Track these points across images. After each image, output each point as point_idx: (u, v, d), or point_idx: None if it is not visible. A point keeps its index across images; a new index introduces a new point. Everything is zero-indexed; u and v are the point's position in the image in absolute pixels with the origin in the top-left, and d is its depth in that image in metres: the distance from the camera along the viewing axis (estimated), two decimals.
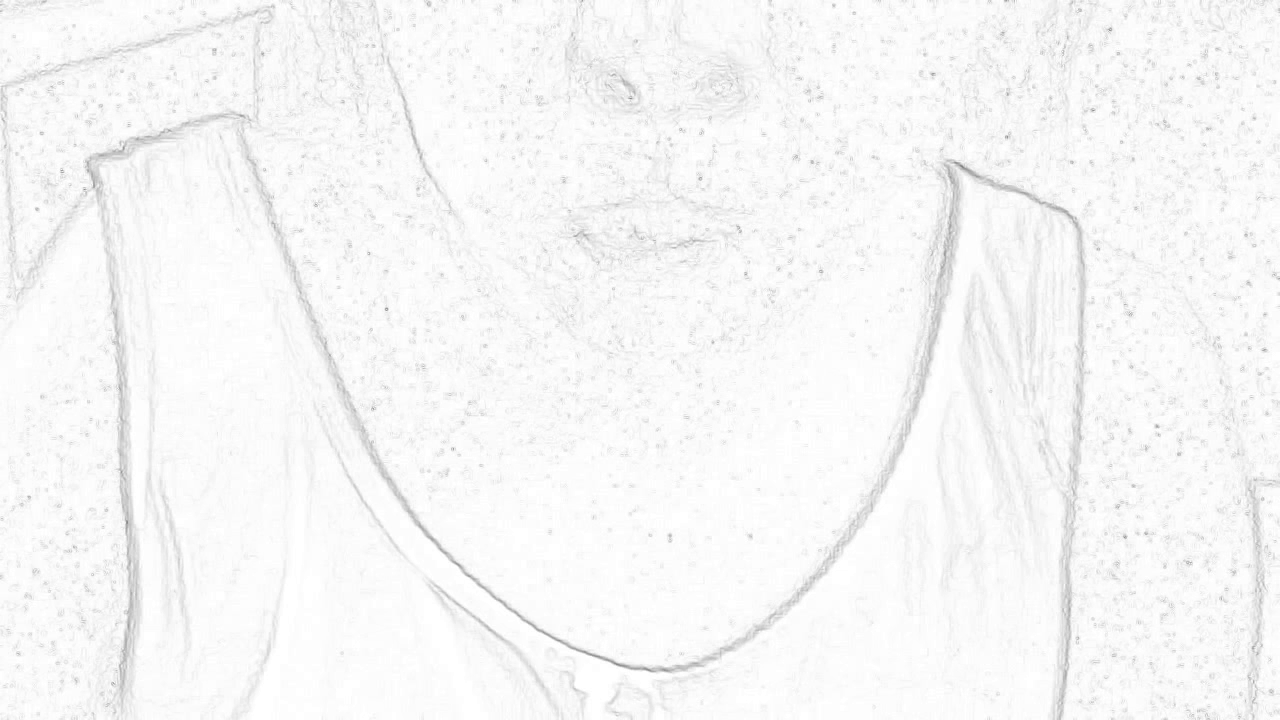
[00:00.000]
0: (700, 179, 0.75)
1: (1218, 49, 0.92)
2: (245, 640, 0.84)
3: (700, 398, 0.84)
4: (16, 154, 0.93)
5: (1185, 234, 0.92)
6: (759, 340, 0.82)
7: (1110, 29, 0.92)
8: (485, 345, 0.85)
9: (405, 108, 0.79)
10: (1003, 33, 0.83)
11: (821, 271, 0.79)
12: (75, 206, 0.87)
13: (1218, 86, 0.92)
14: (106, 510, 0.85)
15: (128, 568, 0.85)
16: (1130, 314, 0.88)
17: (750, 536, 0.85)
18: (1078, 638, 0.87)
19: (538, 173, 0.76)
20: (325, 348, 0.85)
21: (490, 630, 0.84)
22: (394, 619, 0.84)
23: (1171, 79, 0.92)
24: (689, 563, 0.85)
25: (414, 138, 0.79)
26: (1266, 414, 0.92)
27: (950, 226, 0.88)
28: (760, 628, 0.84)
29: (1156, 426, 0.88)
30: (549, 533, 0.84)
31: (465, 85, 0.77)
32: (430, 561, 0.84)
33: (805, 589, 0.85)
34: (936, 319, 0.87)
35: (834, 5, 0.75)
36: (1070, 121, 0.92)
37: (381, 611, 0.84)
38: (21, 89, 0.93)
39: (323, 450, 0.84)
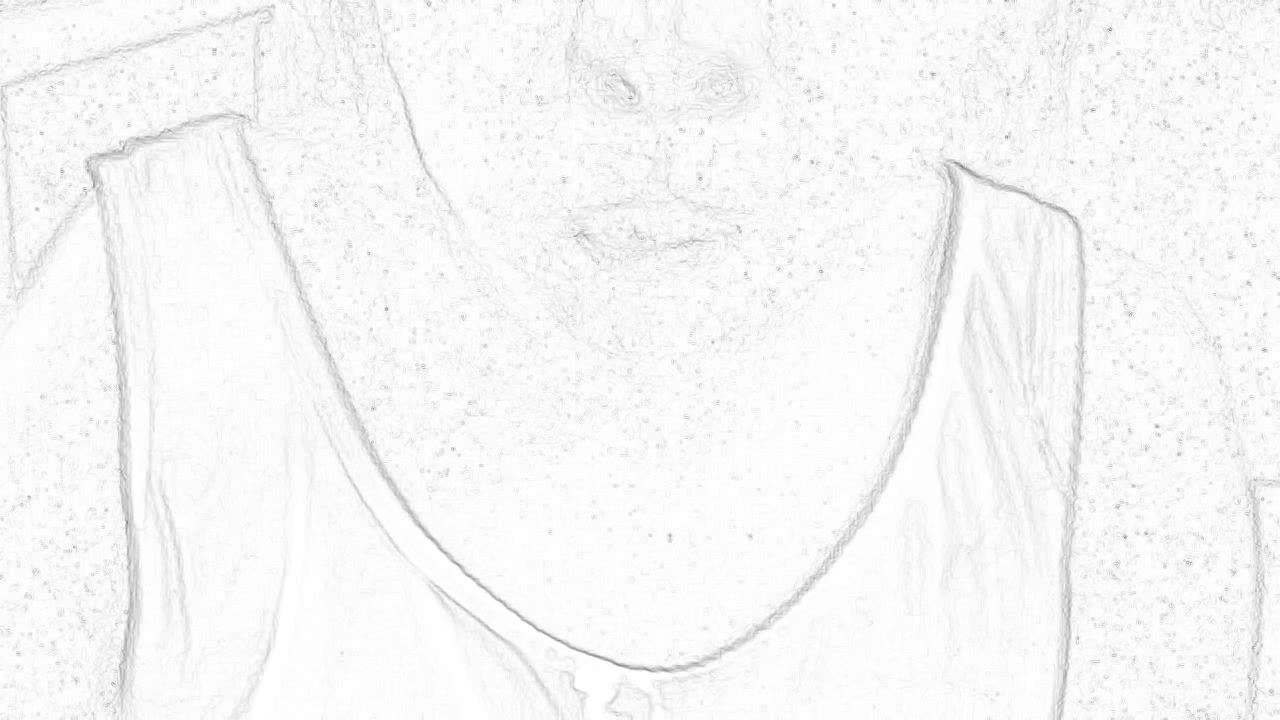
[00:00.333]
0: (700, 179, 0.75)
1: (1218, 49, 0.92)
2: (245, 640, 0.84)
3: (700, 398, 0.84)
4: (16, 154, 0.93)
5: (1185, 234, 0.92)
6: (759, 340, 0.82)
7: (1110, 29, 0.92)
8: (485, 345, 0.85)
9: (405, 108, 0.79)
10: (1003, 33, 0.83)
11: (821, 271, 0.79)
12: (75, 206, 0.87)
13: (1218, 86, 0.92)
14: (106, 510, 0.85)
15: (128, 568, 0.85)
16: (1130, 314, 0.88)
17: (750, 536, 0.85)
18: (1078, 638, 0.87)
19: (538, 173, 0.76)
20: (325, 348, 0.85)
21: (490, 630, 0.84)
22: (394, 619, 0.84)
23: (1171, 79, 0.92)
24: (689, 563, 0.85)
25: (414, 138, 0.79)
26: (1266, 414, 0.92)
27: (950, 226, 0.88)
28: (760, 628, 0.84)
29: (1156, 426, 0.88)
30: (549, 533, 0.84)
31: (465, 85, 0.77)
32: (430, 561, 0.84)
33: (805, 589, 0.85)
34: (936, 319, 0.87)
35: (834, 5, 0.75)
36: (1070, 121, 0.92)
37: (381, 611, 0.84)
38: (21, 89, 0.93)
39: (323, 450, 0.84)
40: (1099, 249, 0.89)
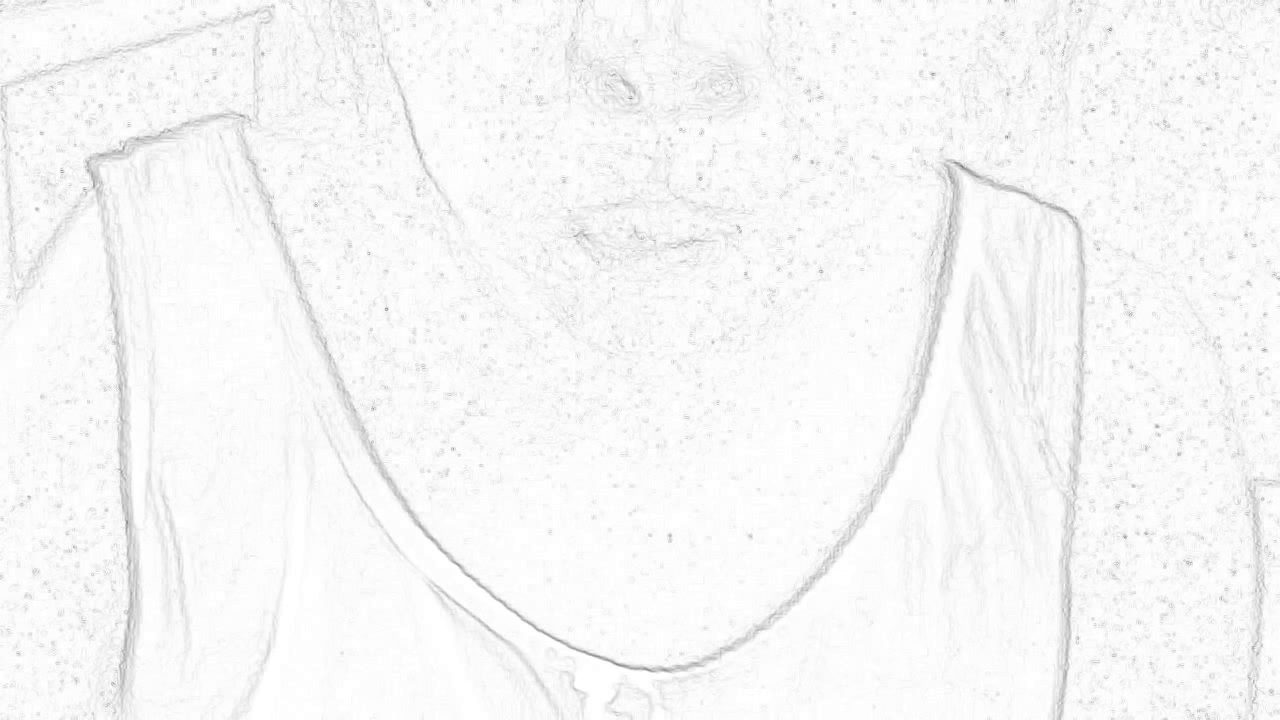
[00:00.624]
0: (700, 179, 0.75)
1: (1218, 49, 0.92)
2: (245, 640, 0.84)
3: (700, 398, 0.84)
4: (16, 154, 0.93)
5: (1185, 234, 0.92)
6: (759, 340, 0.82)
7: (1110, 29, 0.92)
8: (485, 345, 0.85)
9: (405, 108, 0.79)
10: (1003, 33, 0.83)
11: (821, 271, 0.79)
12: (75, 206, 0.87)
13: (1218, 86, 0.92)
14: (106, 510, 0.85)
15: (128, 568, 0.85)
16: (1130, 314, 0.88)
17: (750, 536, 0.85)
18: (1078, 638, 0.87)
19: (538, 173, 0.76)
20: (325, 348, 0.85)
21: (490, 630, 0.84)
22: (394, 619, 0.84)
23: (1171, 79, 0.92)
24: (689, 563, 0.85)
25: (414, 138, 0.79)
26: (1266, 414, 0.92)
27: (950, 226, 0.88)
28: (760, 628, 0.84)
29: (1156, 426, 0.88)
30: (549, 533, 0.84)
31: (465, 85, 0.77)
32: (430, 561, 0.84)
33: (805, 589, 0.85)
34: (936, 319, 0.87)
35: (834, 5, 0.75)
36: (1070, 121, 0.92)
37: (381, 611, 0.84)
38: (21, 89, 0.93)
39: (323, 450, 0.84)
40: (1099, 249, 0.89)
